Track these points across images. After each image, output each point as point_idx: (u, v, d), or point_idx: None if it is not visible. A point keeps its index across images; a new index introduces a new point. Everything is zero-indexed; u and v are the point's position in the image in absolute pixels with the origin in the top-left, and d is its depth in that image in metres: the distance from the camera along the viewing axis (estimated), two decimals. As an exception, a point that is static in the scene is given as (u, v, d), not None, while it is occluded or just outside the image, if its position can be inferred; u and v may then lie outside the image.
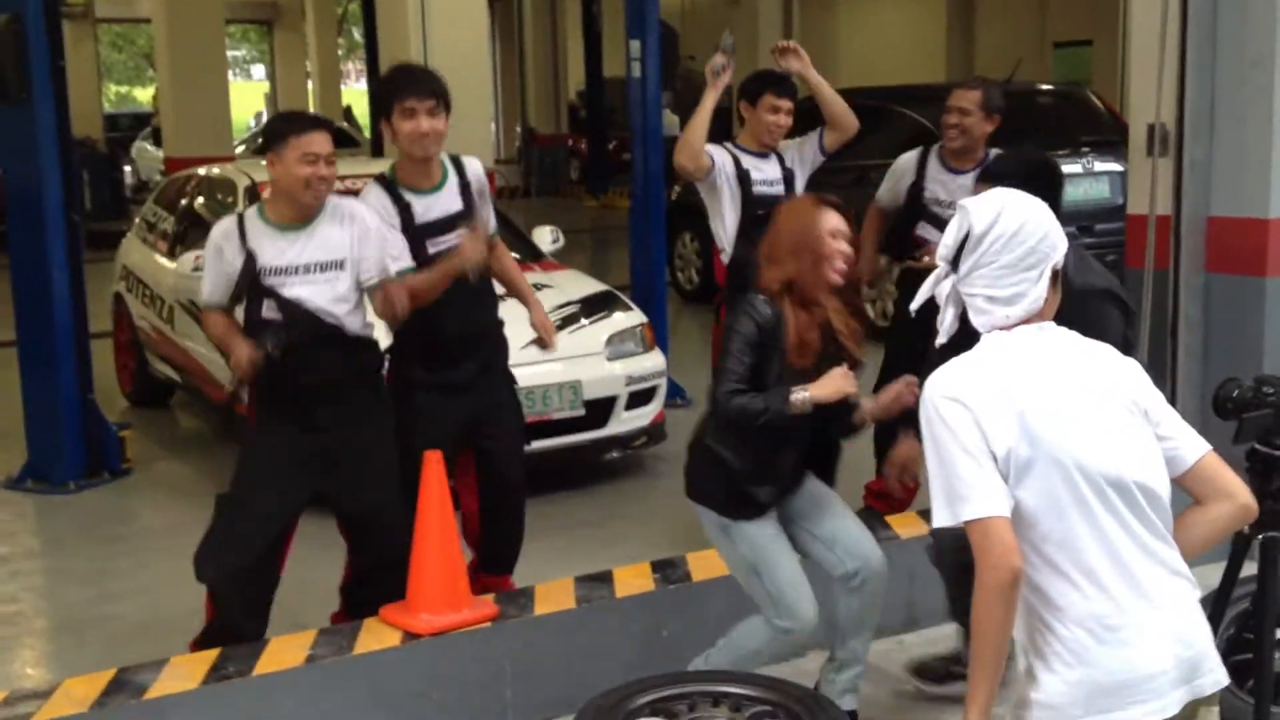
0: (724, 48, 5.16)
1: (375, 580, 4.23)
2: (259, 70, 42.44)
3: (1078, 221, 8.94)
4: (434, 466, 4.05)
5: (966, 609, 2.31)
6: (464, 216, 4.29)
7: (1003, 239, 2.38)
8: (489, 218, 4.45)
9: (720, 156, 5.10)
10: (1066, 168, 9.24)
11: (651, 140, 7.94)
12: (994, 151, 5.10)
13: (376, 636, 4.02)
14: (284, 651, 3.94)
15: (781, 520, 3.76)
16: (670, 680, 3.67)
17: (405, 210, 4.22)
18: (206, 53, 14.02)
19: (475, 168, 4.42)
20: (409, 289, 4.13)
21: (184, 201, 7.81)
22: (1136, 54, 5.88)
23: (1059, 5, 20.59)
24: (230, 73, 20.34)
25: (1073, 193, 9.25)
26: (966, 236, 2.41)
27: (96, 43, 28.13)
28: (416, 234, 4.24)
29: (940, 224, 4.87)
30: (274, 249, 3.98)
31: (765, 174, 5.16)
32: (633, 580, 4.45)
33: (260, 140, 4.03)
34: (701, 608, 4.28)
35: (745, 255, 4.66)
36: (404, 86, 4.20)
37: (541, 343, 4.66)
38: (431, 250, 4.23)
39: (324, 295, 4.01)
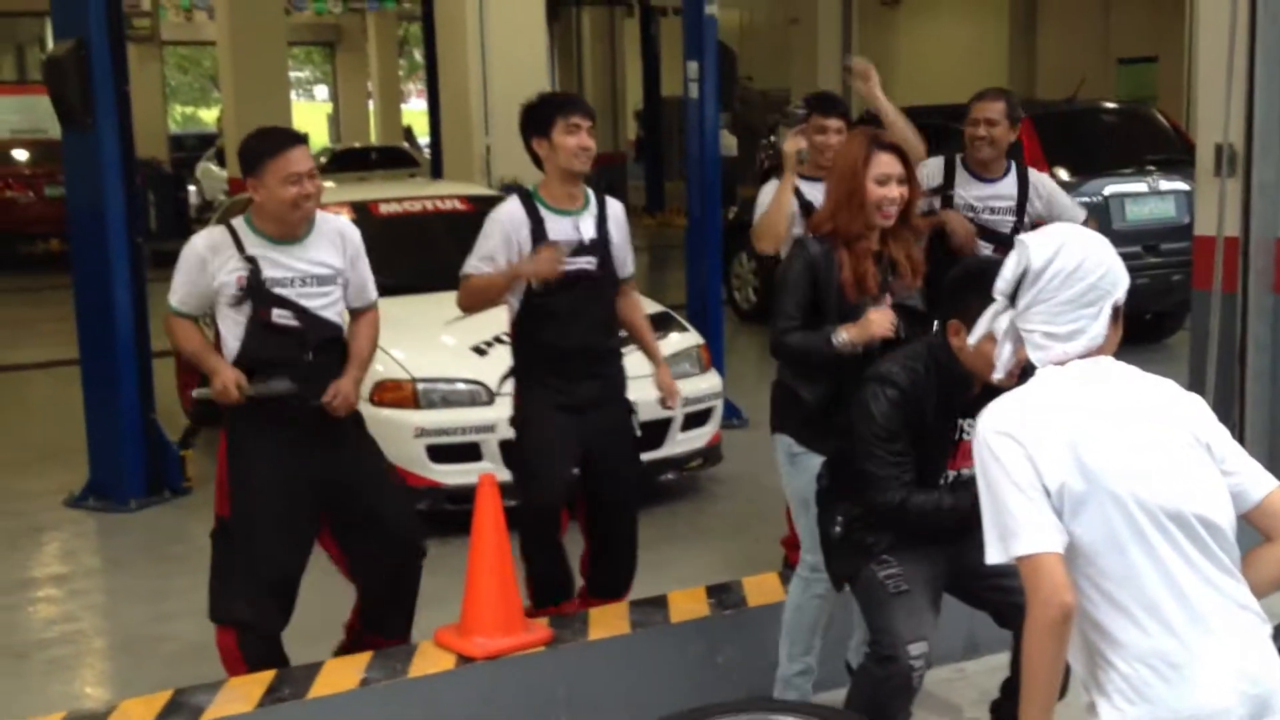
0: (794, 125, 4.85)
1: (380, 613, 4.21)
2: (322, 91, 42.96)
3: (1143, 241, 8.83)
4: (488, 490, 4.04)
5: None
6: (598, 245, 4.36)
7: (1062, 275, 2.34)
8: (626, 258, 4.50)
9: None
10: (1132, 186, 9.16)
11: (709, 160, 7.91)
12: (1012, 163, 5.23)
13: (431, 660, 4.02)
14: (338, 674, 3.94)
15: None
16: (727, 708, 3.64)
17: (538, 224, 4.30)
18: (270, 74, 14.20)
19: (616, 208, 4.51)
20: (472, 285, 4.32)
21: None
22: (1203, 72, 5.79)
23: (1122, 21, 20.39)
24: (293, 94, 20.59)
25: (1138, 212, 9.13)
26: (1025, 272, 2.37)
27: (163, 64, 28.63)
28: None
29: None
30: (269, 260, 3.95)
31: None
32: (687, 605, 4.41)
33: (241, 164, 3.98)
34: (757, 633, 4.23)
35: None
36: (570, 104, 4.36)
37: (662, 402, 4.65)
38: (560, 269, 4.28)
39: (324, 306, 4.03)
